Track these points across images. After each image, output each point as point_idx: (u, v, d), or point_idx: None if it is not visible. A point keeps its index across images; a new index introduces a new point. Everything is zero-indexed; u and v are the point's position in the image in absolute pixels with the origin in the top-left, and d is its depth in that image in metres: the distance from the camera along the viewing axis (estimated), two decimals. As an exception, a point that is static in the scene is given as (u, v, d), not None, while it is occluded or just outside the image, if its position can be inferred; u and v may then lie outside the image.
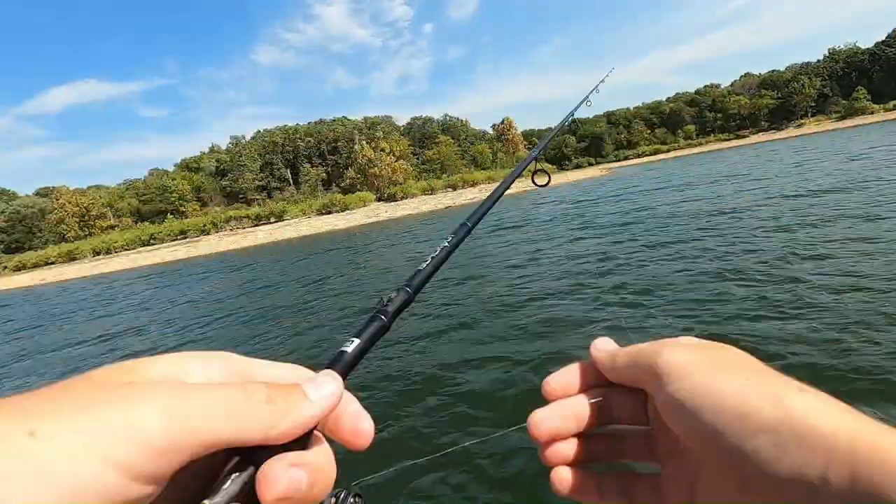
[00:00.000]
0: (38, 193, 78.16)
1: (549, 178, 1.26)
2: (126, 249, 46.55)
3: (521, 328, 5.46)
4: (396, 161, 62.83)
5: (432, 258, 0.59)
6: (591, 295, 6.35)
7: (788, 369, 2.79)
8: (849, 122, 74.96)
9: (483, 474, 2.95)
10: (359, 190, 59.47)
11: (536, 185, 1.23)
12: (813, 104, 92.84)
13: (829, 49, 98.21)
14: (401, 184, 59.41)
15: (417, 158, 77.61)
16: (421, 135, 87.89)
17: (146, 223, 60.09)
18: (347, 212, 48.58)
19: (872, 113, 79.95)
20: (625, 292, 6.19)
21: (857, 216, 8.11)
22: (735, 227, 9.29)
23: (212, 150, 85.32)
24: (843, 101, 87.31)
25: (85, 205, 60.86)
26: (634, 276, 6.90)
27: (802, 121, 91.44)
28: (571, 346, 4.65)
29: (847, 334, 3.86)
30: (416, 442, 3.43)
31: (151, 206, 67.85)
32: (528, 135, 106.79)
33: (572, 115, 1.69)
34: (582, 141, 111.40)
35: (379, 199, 56.41)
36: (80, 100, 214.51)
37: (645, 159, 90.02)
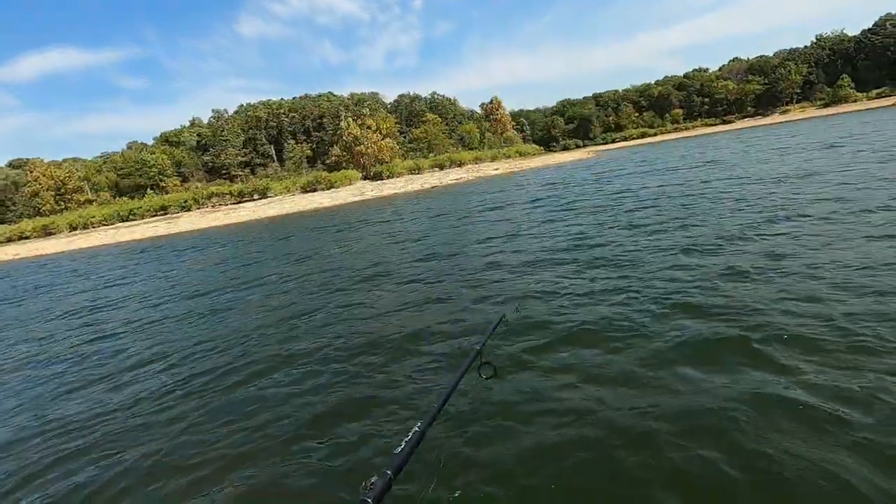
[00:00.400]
0: (10, 165, 75.43)
1: (495, 371, 1.30)
2: (104, 225, 45.43)
3: (500, 301, 5.50)
4: (383, 139, 61.88)
5: (406, 442, 0.73)
6: (569, 270, 6.42)
7: (767, 340, 2.89)
8: (832, 110, 75.82)
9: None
10: (344, 168, 58.58)
11: (482, 376, 1.30)
12: (798, 91, 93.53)
13: (816, 36, 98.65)
14: (387, 162, 58.67)
15: (404, 137, 76.54)
16: (408, 113, 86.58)
17: (125, 198, 58.53)
18: (333, 190, 47.93)
19: (855, 101, 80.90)
20: (603, 267, 6.27)
21: (825, 199, 8.30)
22: (712, 209, 9.42)
23: (193, 123, 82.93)
24: (828, 89, 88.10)
25: (61, 178, 58.85)
26: (612, 253, 6.98)
27: (788, 107, 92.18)
28: (545, 315, 4.72)
29: (816, 304, 3.98)
30: (407, 410, 3.47)
31: (130, 180, 66.05)
32: (516, 115, 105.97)
33: (484, 344, 1.56)
34: (570, 122, 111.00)
35: (365, 178, 55.73)
36: (55, 67, 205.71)
37: (632, 142, 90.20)
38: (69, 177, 60.17)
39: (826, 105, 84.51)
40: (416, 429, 0.72)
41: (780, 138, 29.60)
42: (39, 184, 57.31)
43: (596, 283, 5.77)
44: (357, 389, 3.90)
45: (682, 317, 4.29)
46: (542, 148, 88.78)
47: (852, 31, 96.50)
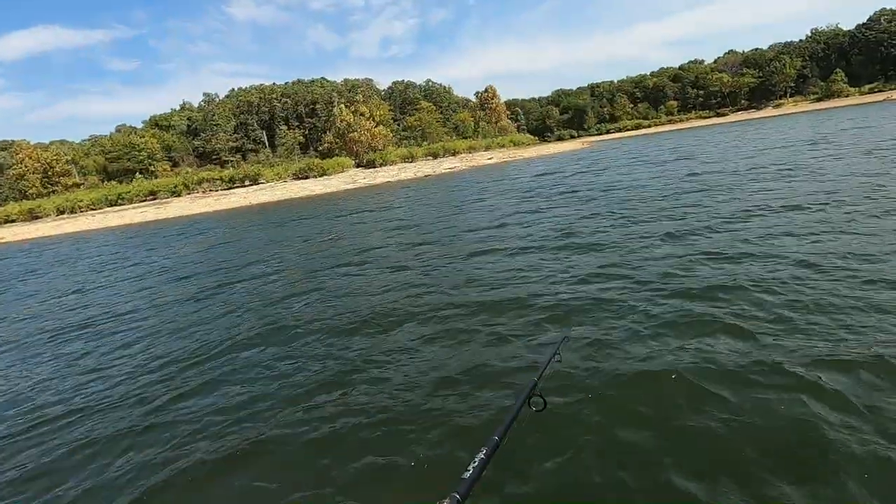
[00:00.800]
0: (-5, 147, 73.79)
1: (545, 404, 1.36)
2: (92, 209, 44.77)
3: (490, 291, 5.56)
4: (376, 126, 61.32)
5: (473, 467, 0.84)
6: (557, 257, 6.49)
7: (743, 315, 3.11)
8: (824, 104, 76.13)
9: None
10: (337, 155, 58.02)
11: (532, 408, 1.36)
12: (792, 84, 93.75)
13: (811, 29, 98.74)
14: (380, 150, 58.21)
15: (398, 124, 75.87)
16: (402, 100, 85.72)
17: (113, 182, 57.64)
18: (325, 177, 47.55)
19: (848, 96, 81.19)
20: (591, 254, 6.35)
21: (802, 194, 8.43)
22: (698, 201, 9.53)
23: (183, 107, 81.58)
24: (822, 83, 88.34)
25: (48, 160, 57.75)
26: (601, 241, 7.06)
27: (781, 101, 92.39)
28: (530, 295, 4.79)
29: (786, 283, 4.09)
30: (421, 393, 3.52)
31: (119, 164, 64.87)
32: (511, 104, 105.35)
33: (540, 377, 1.49)
34: (565, 113, 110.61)
35: (358, 165, 55.31)
36: (43, 47, 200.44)
37: (626, 134, 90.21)
38: (56, 160, 59.06)
39: (819, 99, 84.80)
40: (482, 455, 0.85)
41: (771, 132, 29.82)
42: (25, 166, 56.19)
43: (584, 268, 5.85)
44: (341, 368, 3.96)
45: (668, 298, 4.40)
46: (536, 138, 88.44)
47: (847, 25, 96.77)
